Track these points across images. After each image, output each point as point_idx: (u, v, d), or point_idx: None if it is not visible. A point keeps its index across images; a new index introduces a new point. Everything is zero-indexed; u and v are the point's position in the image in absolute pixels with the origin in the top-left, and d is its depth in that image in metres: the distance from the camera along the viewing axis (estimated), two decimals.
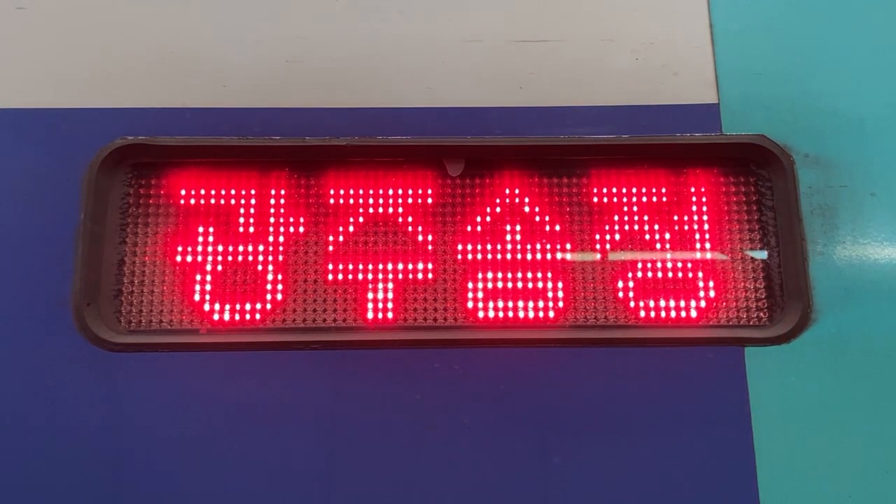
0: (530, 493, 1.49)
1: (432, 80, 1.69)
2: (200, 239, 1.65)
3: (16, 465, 1.50)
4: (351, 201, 1.67)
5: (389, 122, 1.65)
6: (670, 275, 1.64)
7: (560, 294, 1.63)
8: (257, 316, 1.62)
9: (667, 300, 1.63)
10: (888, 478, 1.49)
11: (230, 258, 1.64)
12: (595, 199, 1.68)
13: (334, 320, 1.63)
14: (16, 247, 1.57)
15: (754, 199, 1.67)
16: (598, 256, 1.66)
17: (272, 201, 1.67)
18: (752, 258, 1.65)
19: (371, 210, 1.67)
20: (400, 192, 1.68)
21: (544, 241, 1.66)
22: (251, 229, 1.66)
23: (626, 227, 1.67)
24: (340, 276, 1.64)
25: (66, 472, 1.49)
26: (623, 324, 1.62)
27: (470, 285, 1.64)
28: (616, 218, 1.67)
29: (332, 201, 1.67)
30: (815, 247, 1.58)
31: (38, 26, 1.70)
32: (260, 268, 1.64)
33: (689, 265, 1.65)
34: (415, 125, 1.65)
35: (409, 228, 1.67)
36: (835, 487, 1.48)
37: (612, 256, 1.66)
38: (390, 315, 1.62)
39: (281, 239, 1.66)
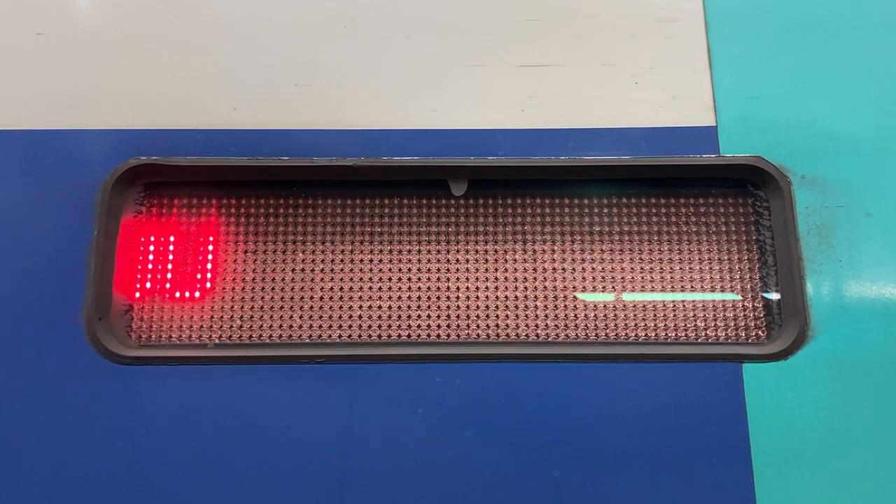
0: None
1: (437, 102, 1.73)
2: (210, 257, 1.70)
3: (26, 477, 1.52)
4: (357, 219, 1.72)
5: (395, 142, 1.69)
6: (670, 293, 1.67)
7: (560, 310, 1.66)
8: (265, 330, 1.66)
9: (666, 317, 1.66)
10: (887, 493, 1.49)
11: (238, 275, 1.69)
12: (595, 219, 1.72)
13: (339, 336, 1.66)
14: (31, 263, 1.61)
15: (752, 219, 1.70)
16: (598, 274, 1.69)
17: (280, 220, 1.72)
18: (750, 276, 1.67)
19: (377, 228, 1.72)
20: (405, 210, 1.72)
21: (545, 259, 1.69)
22: (260, 247, 1.70)
23: (626, 246, 1.70)
24: (346, 293, 1.68)
25: (77, 484, 1.51)
26: (622, 340, 1.65)
27: (472, 302, 1.67)
28: (615, 237, 1.71)
29: (338, 219, 1.72)
30: (811, 265, 1.60)
31: (56, 51, 1.76)
32: (267, 284, 1.68)
33: (689, 284, 1.68)
34: (420, 146, 1.69)
35: (414, 246, 1.71)
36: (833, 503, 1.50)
37: (611, 274, 1.69)
38: (394, 331, 1.66)
39: (288, 256, 1.70)
